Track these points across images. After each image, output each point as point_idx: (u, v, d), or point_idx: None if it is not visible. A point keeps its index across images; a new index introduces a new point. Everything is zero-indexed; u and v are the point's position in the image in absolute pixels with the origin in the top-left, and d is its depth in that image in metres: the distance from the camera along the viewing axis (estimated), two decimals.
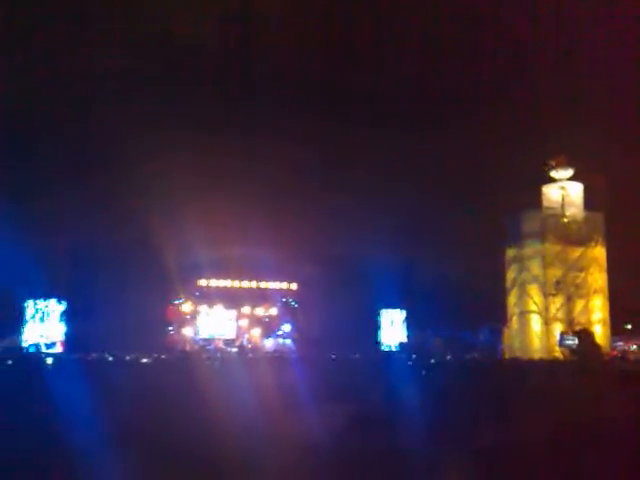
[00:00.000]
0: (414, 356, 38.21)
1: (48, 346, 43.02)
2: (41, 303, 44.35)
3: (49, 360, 28.98)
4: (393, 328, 51.40)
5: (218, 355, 35.89)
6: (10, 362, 25.23)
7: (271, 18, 43.79)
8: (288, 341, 49.36)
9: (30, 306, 44.20)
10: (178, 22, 44.21)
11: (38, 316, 44.29)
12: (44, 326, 44.15)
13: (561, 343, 41.58)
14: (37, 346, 42.37)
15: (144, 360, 30.36)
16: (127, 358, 32.19)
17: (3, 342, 41.49)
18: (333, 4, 46.86)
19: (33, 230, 38.85)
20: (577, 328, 42.14)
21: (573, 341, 39.84)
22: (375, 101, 53.28)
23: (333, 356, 34.84)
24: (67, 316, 44.27)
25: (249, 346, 46.19)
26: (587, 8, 39.83)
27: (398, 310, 51.71)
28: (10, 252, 33.69)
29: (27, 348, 41.87)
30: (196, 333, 49.01)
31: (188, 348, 46.20)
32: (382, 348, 49.41)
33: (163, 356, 35.47)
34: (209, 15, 43.85)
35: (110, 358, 32.54)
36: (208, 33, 44.44)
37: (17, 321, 43.41)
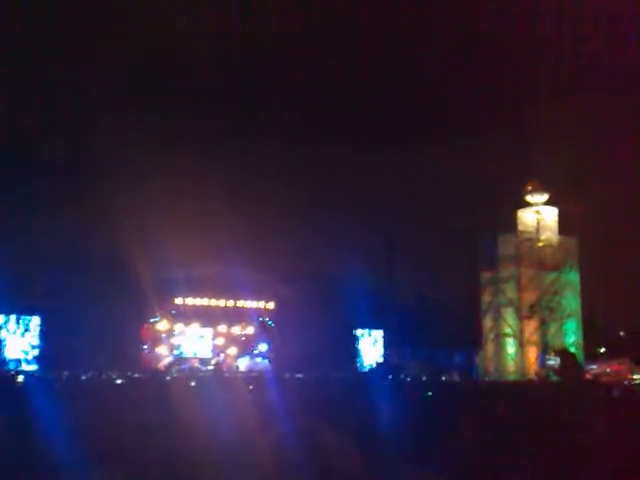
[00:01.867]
0: (390, 376, 38.22)
1: (29, 362, 42.35)
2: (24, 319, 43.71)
3: (20, 378, 28.43)
4: (370, 348, 51.43)
5: (193, 375, 35.60)
6: None
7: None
8: (260, 359, 49.06)
9: (11, 321, 43.51)
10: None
11: (19, 331, 43.61)
12: (25, 341, 43.47)
13: (542, 364, 41.92)
14: (18, 362, 41.72)
15: (118, 381, 29.99)
16: (102, 377, 31.77)
17: None
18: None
19: (7, 245, 38.39)
20: (557, 348, 42.43)
21: (555, 362, 40.19)
22: (350, 124, 53.76)
23: (299, 375, 34.60)
24: (41, 333, 43.66)
25: (224, 366, 45.82)
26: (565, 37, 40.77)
27: (375, 330, 51.79)
28: None
29: (8, 364, 41.19)
30: (171, 352, 48.52)
31: (163, 367, 45.69)
32: (359, 368, 49.36)
33: (136, 375, 35.02)
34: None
35: (83, 377, 32.01)
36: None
37: None
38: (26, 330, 43.58)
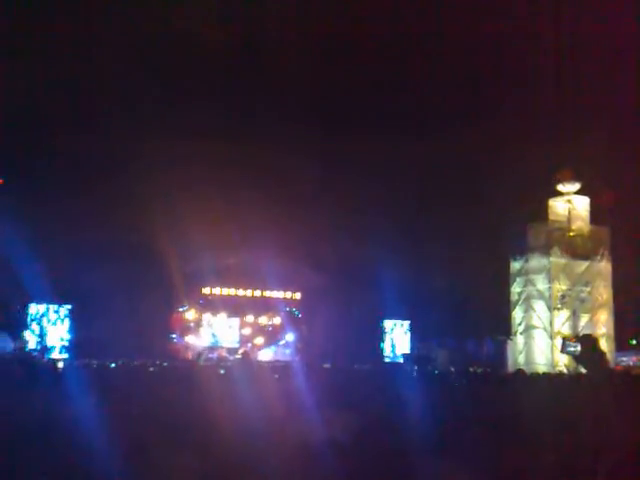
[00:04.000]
0: (416, 367, 38.01)
1: (62, 351, 43.22)
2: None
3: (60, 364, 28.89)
4: (397, 339, 51.27)
5: (221, 364, 35.84)
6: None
7: (276, 20, 44.09)
8: (287, 350, 49.28)
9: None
10: (181, 23, 44.42)
11: (56, 321, 44.59)
12: (60, 331, 44.39)
13: (563, 350, 40.97)
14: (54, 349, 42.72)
15: (150, 369, 30.22)
16: (131, 365, 32.07)
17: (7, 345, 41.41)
18: (338, 6, 46.98)
19: (38, 235, 38.93)
20: (579, 335, 41.69)
21: (576, 348, 39.37)
22: (377, 109, 53.30)
23: (326, 365, 34.44)
24: (72, 322, 44.41)
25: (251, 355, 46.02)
26: (592, 15, 39.92)
27: (402, 321, 51.59)
28: (16, 256, 33.78)
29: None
30: (200, 341, 48.97)
31: (191, 356, 46.15)
32: (386, 359, 49.26)
33: (165, 364, 35.34)
34: (213, 16, 44.02)
35: (112, 365, 32.34)
36: (211, 35, 44.61)
37: (19, 324, 43.45)
38: (63, 319, 44.52)
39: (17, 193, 41.15)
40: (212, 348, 48.30)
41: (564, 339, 42.09)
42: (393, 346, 50.88)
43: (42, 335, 43.91)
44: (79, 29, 45.46)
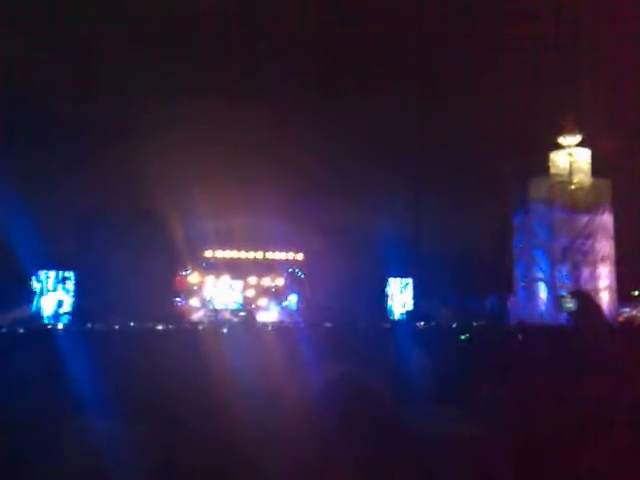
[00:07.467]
0: (421, 323, 38.13)
1: (64, 316, 43.55)
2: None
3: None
4: (400, 296, 51.46)
5: (226, 324, 36.06)
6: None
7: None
8: (293, 305, 49.47)
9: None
10: None
11: (58, 286, 44.89)
12: (60, 296, 44.68)
13: (560, 307, 40.85)
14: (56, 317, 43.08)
15: (159, 327, 30.45)
16: (137, 326, 32.30)
17: (14, 313, 41.59)
18: None
19: (39, 200, 38.85)
20: (573, 290, 41.43)
21: (573, 304, 39.27)
22: (377, 67, 52.52)
23: (328, 324, 34.40)
24: (75, 287, 44.65)
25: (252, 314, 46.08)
26: None
27: (405, 278, 51.70)
28: (18, 223, 33.73)
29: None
30: (203, 303, 49.19)
31: (195, 318, 46.46)
32: (390, 316, 49.52)
33: (171, 326, 35.58)
34: None
35: (116, 326, 32.56)
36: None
37: (26, 292, 43.62)
38: (66, 285, 44.79)
39: (15, 158, 40.87)
40: (216, 310, 48.56)
41: (560, 297, 41.93)
42: (390, 305, 51.06)
43: (46, 303, 44.18)
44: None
